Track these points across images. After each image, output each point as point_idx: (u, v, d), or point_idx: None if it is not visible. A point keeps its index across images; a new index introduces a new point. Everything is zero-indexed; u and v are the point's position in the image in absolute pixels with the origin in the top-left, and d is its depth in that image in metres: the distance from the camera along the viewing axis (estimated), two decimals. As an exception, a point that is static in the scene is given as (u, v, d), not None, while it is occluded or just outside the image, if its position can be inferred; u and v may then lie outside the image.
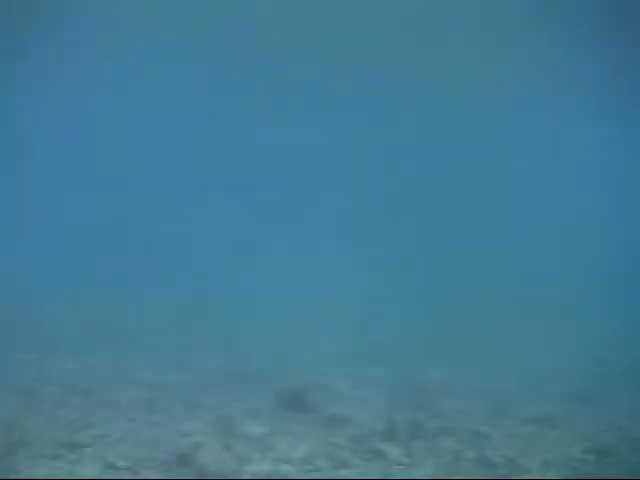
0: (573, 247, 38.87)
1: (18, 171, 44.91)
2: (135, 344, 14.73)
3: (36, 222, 39.84)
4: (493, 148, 38.14)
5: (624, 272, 32.30)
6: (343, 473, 7.37)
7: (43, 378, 10.91)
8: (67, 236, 37.38)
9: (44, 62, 25.23)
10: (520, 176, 43.93)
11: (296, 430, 8.92)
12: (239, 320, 19.36)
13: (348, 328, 18.23)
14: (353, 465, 7.62)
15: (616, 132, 31.91)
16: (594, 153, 38.24)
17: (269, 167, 47.67)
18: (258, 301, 23.15)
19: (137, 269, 29.29)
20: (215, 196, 49.33)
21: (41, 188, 47.02)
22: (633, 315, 21.10)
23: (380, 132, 35.63)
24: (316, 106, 30.86)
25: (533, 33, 19.97)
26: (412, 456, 7.98)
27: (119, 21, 21.35)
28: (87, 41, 23.14)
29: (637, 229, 41.21)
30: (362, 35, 21.32)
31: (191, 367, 12.77)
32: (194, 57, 24.60)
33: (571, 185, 45.65)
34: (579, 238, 40.39)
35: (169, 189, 49.09)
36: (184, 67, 26.04)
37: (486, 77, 24.62)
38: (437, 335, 18.33)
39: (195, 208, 48.56)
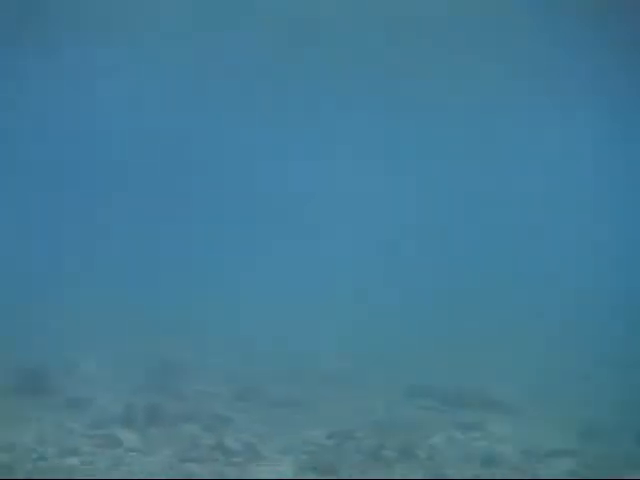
0: (571, 248, 38.82)
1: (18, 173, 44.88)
2: None
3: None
4: (493, 148, 38.11)
5: (621, 271, 32.27)
6: (71, 461, 7.06)
7: None
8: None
9: (44, 62, 25.22)
10: (520, 176, 43.87)
11: (29, 414, 8.45)
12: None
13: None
14: (83, 452, 7.31)
15: (616, 132, 31.89)
16: (594, 153, 38.20)
17: (268, 167, 47.63)
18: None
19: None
20: (214, 196, 49.27)
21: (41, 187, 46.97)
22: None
23: (380, 132, 35.60)
24: (316, 106, 30.82)
25: (533, 33, 19.97)
26: (148, 442, 7.77)
27: (118, 19, 21.34)
28: (87, 40, 23.14)
29: (637, 229, 41.17)
30: (362, 35, 21.30)
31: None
32: (194, 57, 24.62)
33: (571, 185, 45.59)
34: (578, 238, 40.35)
35: (167, 189, 49.02)
36: (184, 67, 26.04)
37: (486, 77, 24.59)
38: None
39: (194, 209, 48.51)
